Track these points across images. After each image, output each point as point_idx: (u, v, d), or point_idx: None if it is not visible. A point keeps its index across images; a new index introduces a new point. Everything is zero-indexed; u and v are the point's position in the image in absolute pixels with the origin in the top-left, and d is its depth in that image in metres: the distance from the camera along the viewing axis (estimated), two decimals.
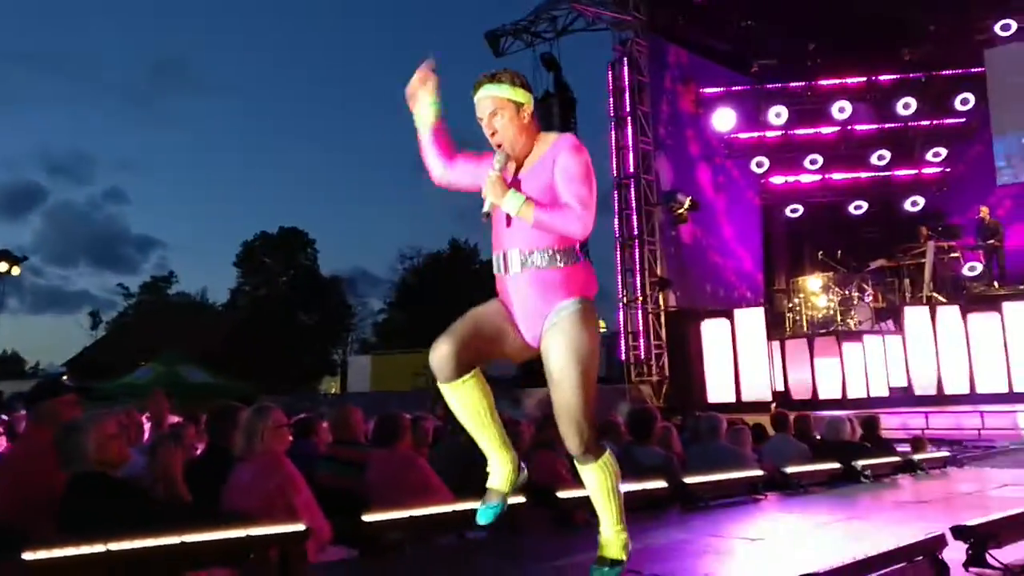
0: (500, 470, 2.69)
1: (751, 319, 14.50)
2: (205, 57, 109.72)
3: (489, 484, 2.69)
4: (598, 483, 2.69)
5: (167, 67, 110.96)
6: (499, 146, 2.66)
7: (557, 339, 2.58)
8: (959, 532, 2.83)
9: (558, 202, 2.56)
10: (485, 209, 2.63)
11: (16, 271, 19.92)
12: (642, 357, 15.75)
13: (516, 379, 20.59)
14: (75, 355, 36.62)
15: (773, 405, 12.41)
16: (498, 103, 2.64)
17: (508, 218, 2.62)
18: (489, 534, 3.85)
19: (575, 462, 2.70)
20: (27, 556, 2.53)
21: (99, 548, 2.63)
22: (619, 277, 16.26)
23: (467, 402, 2.61)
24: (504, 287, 2.69)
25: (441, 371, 2.55)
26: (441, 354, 2.54)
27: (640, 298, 15.85)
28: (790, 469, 5.32)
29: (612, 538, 2.73)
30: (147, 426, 5.74)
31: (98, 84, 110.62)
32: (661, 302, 16.07)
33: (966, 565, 2.79)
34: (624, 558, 2.73)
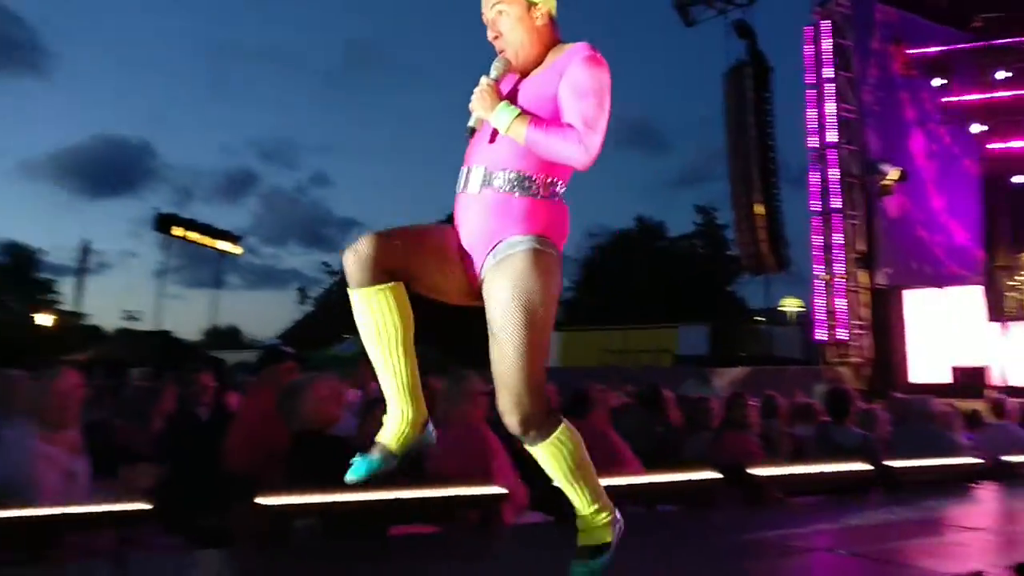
0: (395, 422, 2.15)
1: (967, 297, 13.56)
2: (398, 41, 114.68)
3: (378, 436, 2.17)
4: (553, 464, 2.17)
5: (364, 53, 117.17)
6: (502, 52, 2.22)
7: (503, 280, 2.08)
8: None
9: (559, 121, 2.09)
10: (470, 123, 2.20)
11: (238, 251, 21.83)
12: (842, 338, 15.00)
13: (707, 358, 20.26)
14: (287, 328, 39.73)
15: (989, 390, 11.53)
16: (505, 0, 2.19)
17: (494, 134, 2.15)
18: (680, 508, 3.87)
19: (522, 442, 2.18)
20: (260, 501, 2.84)
21: (323, 498, 2.89)
22: (819, 254, 15.51)
23: (377, 318, 2.09)
24: (457, 207, 2.22)
25: (353, 273, 2.06)
26: (359, 252, 2.05)
27: (843, 276, 15.07)
28: (1011, 458, 4.94)
29: (589, 521, 2.21)
30: (352, 392, 6.18)
31: (301, 72, 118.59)
32: (863, 280, 15.22)
33: None
34: (609, 539, 2.20)
